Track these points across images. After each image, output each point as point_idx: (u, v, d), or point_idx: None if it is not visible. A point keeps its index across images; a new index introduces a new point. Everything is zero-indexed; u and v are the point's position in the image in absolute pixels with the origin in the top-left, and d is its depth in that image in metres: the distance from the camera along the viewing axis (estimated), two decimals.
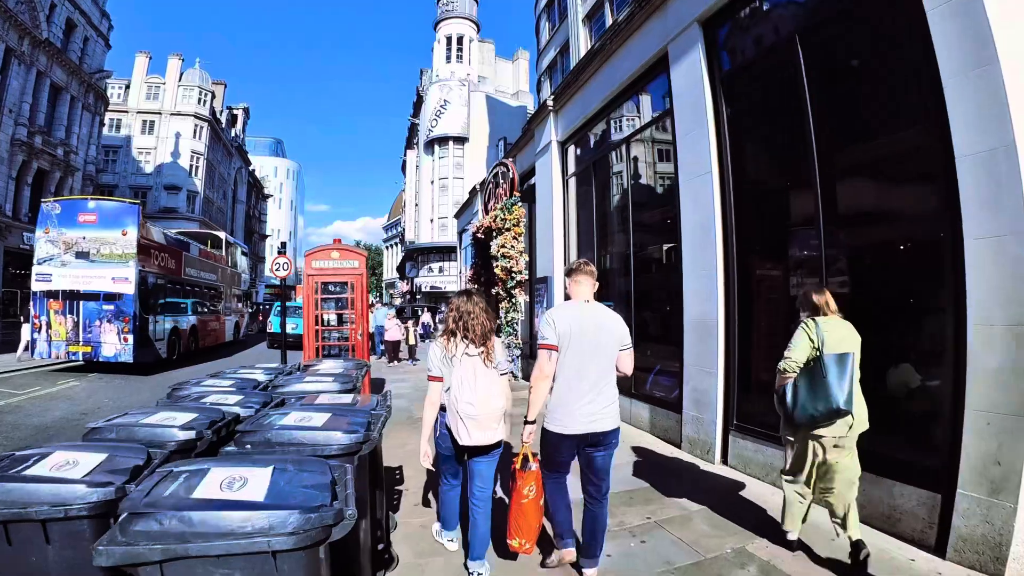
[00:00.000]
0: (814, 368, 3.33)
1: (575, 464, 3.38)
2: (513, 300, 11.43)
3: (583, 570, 3.37)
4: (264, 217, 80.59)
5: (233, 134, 60.94)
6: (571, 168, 10.08)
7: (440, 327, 6.05)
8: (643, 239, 7.86)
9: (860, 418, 3.37)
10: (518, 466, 3.32)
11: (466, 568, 3.46)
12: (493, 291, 11.96)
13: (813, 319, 3.48)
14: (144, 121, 46.57)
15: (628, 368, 3.35)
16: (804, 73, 4.94)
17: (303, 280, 7.84)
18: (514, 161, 12.68)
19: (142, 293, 14.11)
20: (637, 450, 6.34)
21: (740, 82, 6.01)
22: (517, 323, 11.60)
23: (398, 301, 49.88)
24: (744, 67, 5.99)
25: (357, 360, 6.19)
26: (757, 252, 5.81)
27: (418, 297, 41.23)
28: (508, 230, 11.49)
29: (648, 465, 5.80)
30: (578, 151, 9.93)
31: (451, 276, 36.01)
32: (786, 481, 3.67)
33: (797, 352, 3.43)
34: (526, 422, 3.28)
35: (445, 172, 40.61)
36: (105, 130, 45.08)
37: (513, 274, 11.29)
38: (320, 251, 7.94)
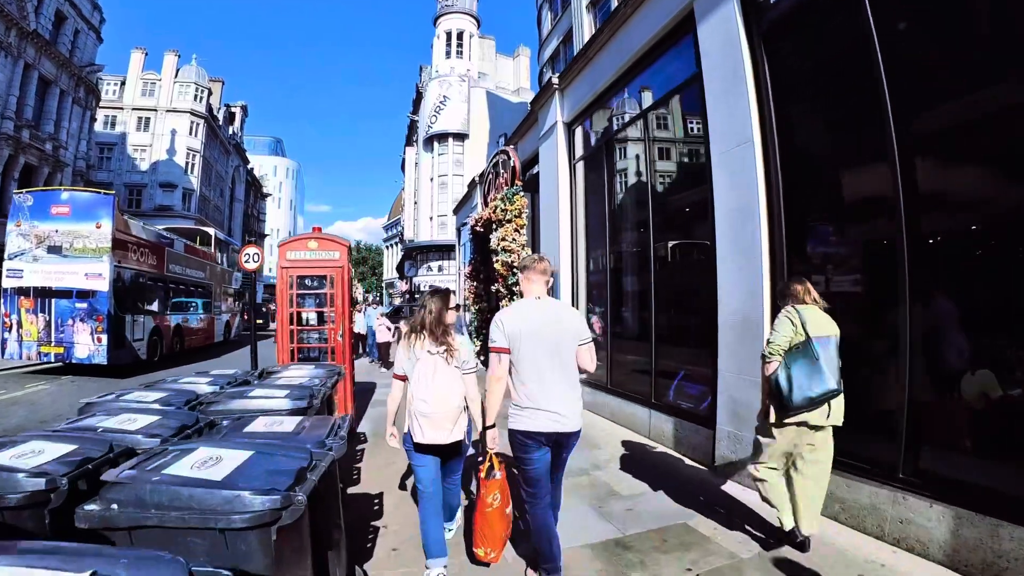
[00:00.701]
0: (806, 352, 3.37)
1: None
2: (515, 298, 10.47)
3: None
4: (263, 216, 79.90)
5: (231, 132, 60.25)
6: (579, 152, 9.12)
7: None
8: (665, 227, 6.90)
9: (838, 408, 3.46)
10: (483, 474, 3.25)
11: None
12: (493, 288, 10.99)
13: (794, 307, 3.53)
14: (140, 118, 46.19)
15: (589, 364, 3.23)
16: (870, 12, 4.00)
17: (277, 273, 6.87)
18: (515, 148, 11.72)
19: (118, 290, 13.20)
20: (662, 473, 5.39)
21: (784, 35, 5.03)
22: None
23: (398, 301, 49.00)
24: (789, 16, 5.02)
25: (331, 366, 5.24)
26: (813, 238, 4.85)
27: (416, 297, 40.27)
28: (509, 222, 10.54)
29: (678, 493, 4.83)
30: (587, 132, 8.96)
31: (451, 275, 35.06)
32: (759, 477, 3.69)
33: (779, 337, 3.47)
34: (485, 428, 3.20)
35: (445, 169, 39.64)
36: (100, 127, 44.77)
37: (515, 269, 10.32)
38: (296, 241, 6.98)
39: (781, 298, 3.76)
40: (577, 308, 8.98)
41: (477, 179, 16.04)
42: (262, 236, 78.03)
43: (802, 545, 3.61)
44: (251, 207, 72.00)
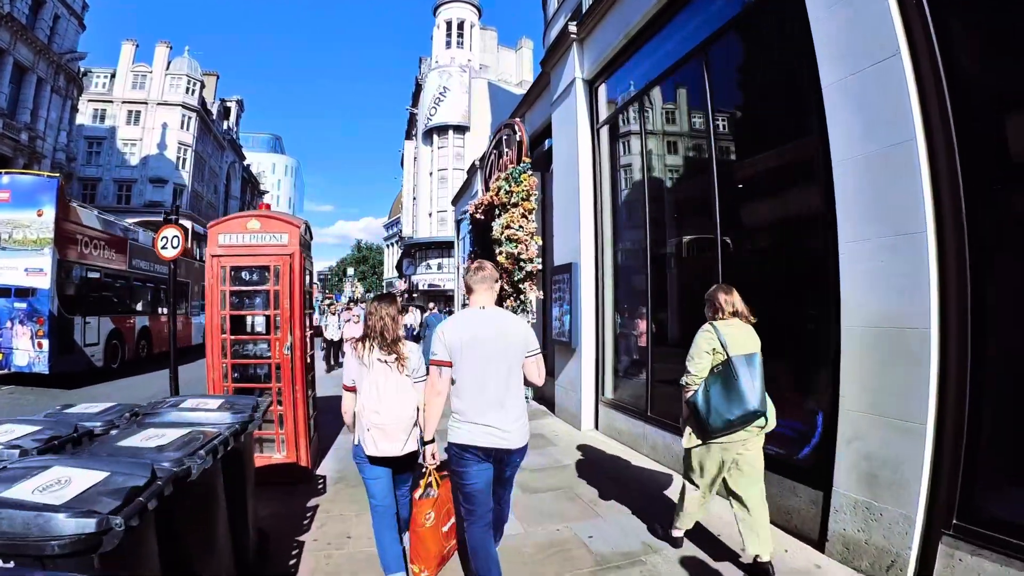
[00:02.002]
0: (724, 372, 3.27)
1: None
2: (522, 298, 8.68)
3: None
4: None
5: (225, 127, 58.82)
6: (603, 113, 7.32)
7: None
8: (738, 199, 5.05)
9: (769, 417, 3.35)
10: (418, 493, 3.20)
11: None
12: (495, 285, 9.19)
13: (712, 324, 3.42)
14: (129, 111, 45.14)
15: (536, 377, 3.08)
16: None
17: (206, 263, 5.07)
18: (523, 121, 9.92)
19: (64, 288, 11.45)
20: (732, 554, 3.59)
21: None
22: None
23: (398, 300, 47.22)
24: None
25: (246, 400, 3.44)
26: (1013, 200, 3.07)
27: (415, 296, 38.45)
28: (515, 206, 8.74)
29: None
30: (614, 89, 7.16)
31: (451, 273, 33.29)
32: (696, 483, 3.59)
33: (698, 366, 3.37)
34: (424, 443, 3.10)
35: (444, 163, 37.85)
36: (89, 121, 43.45)
37: (522, 263, 8.54)
38: (232, 221, 5.14)
39: (706, 310, 3.59)
40: (602, 311, 7.21)
41: (477, 163, 14.26)
42: None
43: (764, 571, 3.38)
44: (247, 205, 70.55)
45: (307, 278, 5.43)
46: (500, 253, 8.86)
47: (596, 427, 7.09)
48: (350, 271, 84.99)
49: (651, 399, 6.06)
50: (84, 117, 42.89)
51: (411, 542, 3.22)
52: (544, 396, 9.09)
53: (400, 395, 3.14)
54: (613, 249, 7.21)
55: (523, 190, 8.73)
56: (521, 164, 8.99)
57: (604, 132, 7.26)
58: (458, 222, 18.83)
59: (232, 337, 5.05)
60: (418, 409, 3.21)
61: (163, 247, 6.93)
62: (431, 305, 21.92)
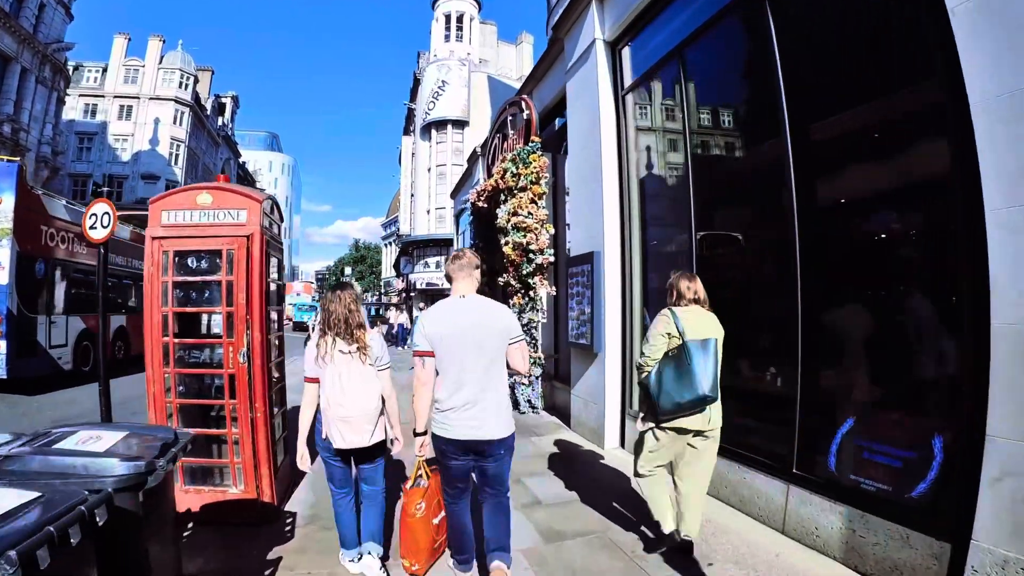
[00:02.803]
0: (678, 356, 3.24)
1: None
2: (531, 294, 7.65)
3: (491, 564, 3.03)
4: None
5: (220, 123, 57.88)
6: (628, 78, 6.29)
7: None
8: (821, 164, 3.91)
9: (716, 412, 3.34)
10: (409, 483, 3.23)
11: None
12: (500, 280, 8.17)
13: (671, 309, 3.39)
14: (121, 106, 44.24)
15: (520, 364, 3.01)
16: None
17: (146, 247, 4.03)
18: (531, 97, 8.89)
19: (25, 284, 10.39)
20: None
21: None
22: (537, 328, 7.77)
23: (395, 300, 46.27)
24: None
25: (161, 434, 2.42)
26: None
27: (412, 295, 37.39)
28: (523, 190, 7.72)
29: None
30: (643, 48, 6.11)
31: None
32: (643, 474, 3.52)
33: (653, 348, 3.36)
34: (416, 434, 3.04)
35: (443, 159, 36.75)
36: (80, 116, 42.55)
37: (531, 254, 7.52)
38: (177, 195, 4.09)
39: (668, 296, 3.53)
40: (630, 308, 6.16)
41: (478, 150, 13.23)
42: None
43: (686, 548, 3.47)
44: None
45: (273, 267, 4.40)
46: (506, 244, 7.85)
47: (622, 445, 6.05)
48: (348, 271, 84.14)
49: None
50: (75, 112, 42.04)
51: (401, 534, 3.22)
52: (556, 405, 8.06)
53: (364, 386, 3.08)
54: (643, 235, 6.17)
55: (532, 172, 7.71)
56: (530, 144, 7.99)
57: (631, 99, 6.23)
58: (457, 215, 17.79)
59: (177, 341, 4.01)
60: (383, 398, 3.16)
61: (91, 227, 5.88)
62: (420, 305, 20.90)
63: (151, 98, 43.93)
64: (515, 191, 7.87)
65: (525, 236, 7.51)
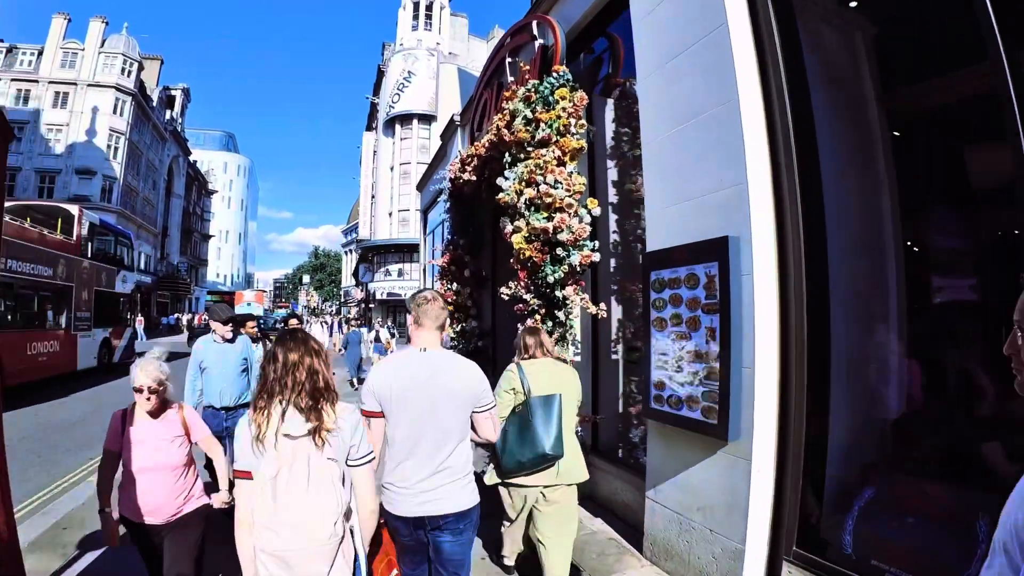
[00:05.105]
0: (522, 413, 3.16)
1: None
2: (561, 315, 4.51)
3: None
4: (208, 215, 72.88)
5: (168, 117, 53.23)
6: None
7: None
8: None
9: (572, 465, 3.25)
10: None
11: None
12: (506, 293, 5.03)
13: (518, 363, 3.32)
14: (57, 93, 39.25)
15: (491, 433, 2.62)
16: None
17: None
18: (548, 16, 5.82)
19: None
20: None
21: None
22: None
23: (354, 311, 42.70)
24: None
25: None
26: None
27: (372, 307, 33.88)
28: (544, 145, 4.65)
29: None
30: None
31: (413, 280, 28.91)
32: (504, 528, 3.53)
33: (499, 407, 3.06)
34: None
35: (408, 156, 33.46)
36: (11, 103, 38.02)
37: (560, 249, 4.43)
38: None
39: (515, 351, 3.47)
40: (797, 348, 3.08)
41: (456, 118, 10.08)
42: (206, 237, 70.66)
43: None
44: (193, 204, 64.76)
45: None
46: (514, 232, 4.72)
47: None
48: (306, 279, 79.74)
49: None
50: (5, 99, 37.46)
51: None
52: (596, 496, 4.91)
53: (319, 497, 1.95)
54: (805, 207, 3.11)
55: (563, 114, 4.64)
56: (555, 75, 4.92)
57: None
58: (425, 210, 14.50)
59: None
60: (347, 514, 2.05)
61: None
62: (378, 320, 17.76)
63: (90, 84, 39.48)
64: (530, 147, 4.77)
65: (552, 218, 4.41)
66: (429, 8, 36.12)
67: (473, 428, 2.55)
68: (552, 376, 3.25)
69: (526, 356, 3.35)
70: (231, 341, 4.87)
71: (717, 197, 3.30)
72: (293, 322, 7.59)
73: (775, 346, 3.12)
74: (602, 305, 4.53)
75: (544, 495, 3.24)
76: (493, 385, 2.82)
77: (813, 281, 3.08)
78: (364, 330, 15.29)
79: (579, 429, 4.74)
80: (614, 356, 5.18)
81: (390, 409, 2.43)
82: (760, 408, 3.07)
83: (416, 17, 35.93)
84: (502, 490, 3.35)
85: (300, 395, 1.96)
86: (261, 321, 8.62)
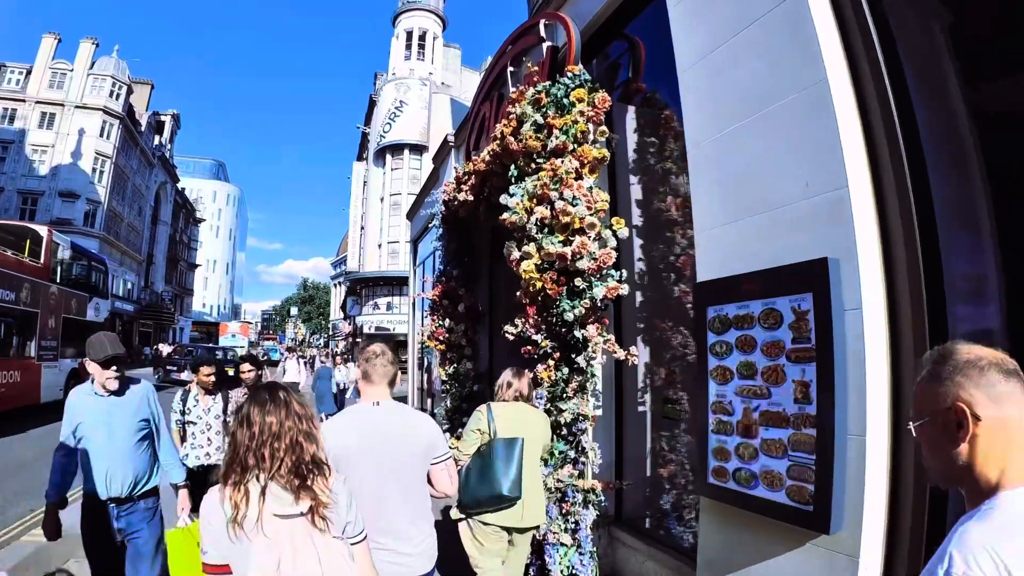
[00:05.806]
0: (486, 453, 3.22)
1: None
2: (580, 361, 3.67)
3: None
4: (195, 244, 72.02)
5: (157, 142, 52.66)
6: None
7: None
8: None
9: (539, 508, 3.32)
10: None
11: None
12: (511, 331, 4.16)
13: (488, 404, 3.36)
14: (44, 113, 38.64)
15: (448, 486, 2.57)
16: None
17: None
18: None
19: None
20: None
21: None
22: (587, 431, 3.77)
23: (341, 344, 41.55)
24: None
25: None
26: None
27: (359, 341, 32.84)
28: (559, 154, 3.87)
29: None
30: None
31: (402, 314, 27.94)
32: (481, 563, 3.37)
33: (465, 444, 3.33)
34: None
35: (398, 187, 32.79)
36: None
37: (580, 279, 3.61)
38: None
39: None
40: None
41: (450, 138, 9.36)
42: (193, 266, 69.52)
43: None
44: (180, 232, 63.78)
45: None
46: (523, 258, 3.89)
47: None
48: (294, 311, 78.46)
49: None
50: None
51: None
52: (618, 573, 4.02)
53: None
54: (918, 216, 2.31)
55: (578, 118, 3.87)
56: (569, 75, 4.17)
57: None
58: (415, 240, 13.67)
59: None
60: None
61: None
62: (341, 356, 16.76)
63: (77, 106, 38.99)
64: (540, 158, 3.99)
65: (569, 242, 3.59)
66: (422, 38, 36.00)
67: (430, 482, 2.49)
68: (518, 419, 3.29)
69: (498, 398, 3.42)
70: (119, 393, 3.16)
71: (801, 208, 2.48)
72: (245, 368, 5.23)
73: (886, 406, 2.29)
74: (632, 349, 3.67)
75: (512, 542, 3.30)
76: None
77: (932, 312, 2.26)
78: (335, 367, 14.44)
79: (602, 497, 3.88)
80: (640, 408, 4.31)
81: (347, 468, 2.22)
82: (872, 488, 2.23)
83: (409, 47, 35.76)
84: (464, 527, 3.38)
85: (281, 471, 1.63)
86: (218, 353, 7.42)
